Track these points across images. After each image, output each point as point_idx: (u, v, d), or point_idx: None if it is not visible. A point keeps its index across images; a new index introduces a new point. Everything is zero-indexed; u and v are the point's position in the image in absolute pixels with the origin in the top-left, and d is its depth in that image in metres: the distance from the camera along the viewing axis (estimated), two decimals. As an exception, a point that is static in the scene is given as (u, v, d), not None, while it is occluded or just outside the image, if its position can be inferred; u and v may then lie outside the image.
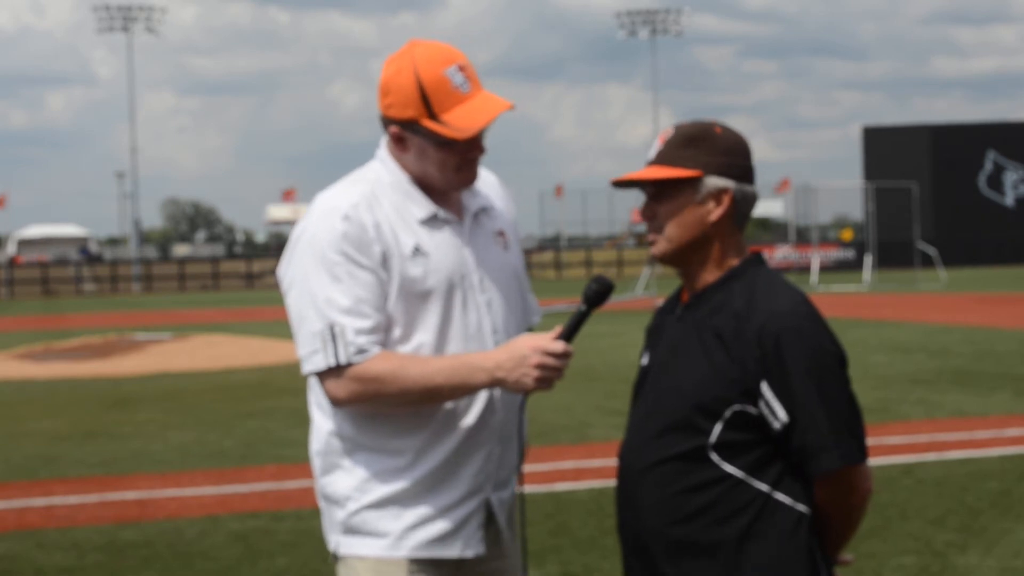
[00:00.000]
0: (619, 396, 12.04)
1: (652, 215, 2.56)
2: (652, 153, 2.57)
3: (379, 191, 2.77)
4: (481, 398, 2.76)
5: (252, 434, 10.54)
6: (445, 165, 2.76)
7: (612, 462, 9.00)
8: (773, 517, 2.42)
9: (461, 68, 2.74)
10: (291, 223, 71.76)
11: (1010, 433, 9.73)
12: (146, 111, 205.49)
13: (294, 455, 9.37)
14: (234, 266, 59.15)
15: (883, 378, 13.29)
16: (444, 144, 2.73)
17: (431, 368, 2.66)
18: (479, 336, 2.78)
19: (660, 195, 2.54)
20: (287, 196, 66.20)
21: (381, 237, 2.71)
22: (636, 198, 67.33)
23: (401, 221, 2.75)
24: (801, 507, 2.45)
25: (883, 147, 59.53)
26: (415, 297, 2.72)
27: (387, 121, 2.78)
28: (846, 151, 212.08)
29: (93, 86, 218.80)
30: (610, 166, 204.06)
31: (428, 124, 2.71)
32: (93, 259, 64.72)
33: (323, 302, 2.67)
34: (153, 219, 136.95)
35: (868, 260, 40.17)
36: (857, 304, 28.09)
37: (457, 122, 2.70)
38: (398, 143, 2.79)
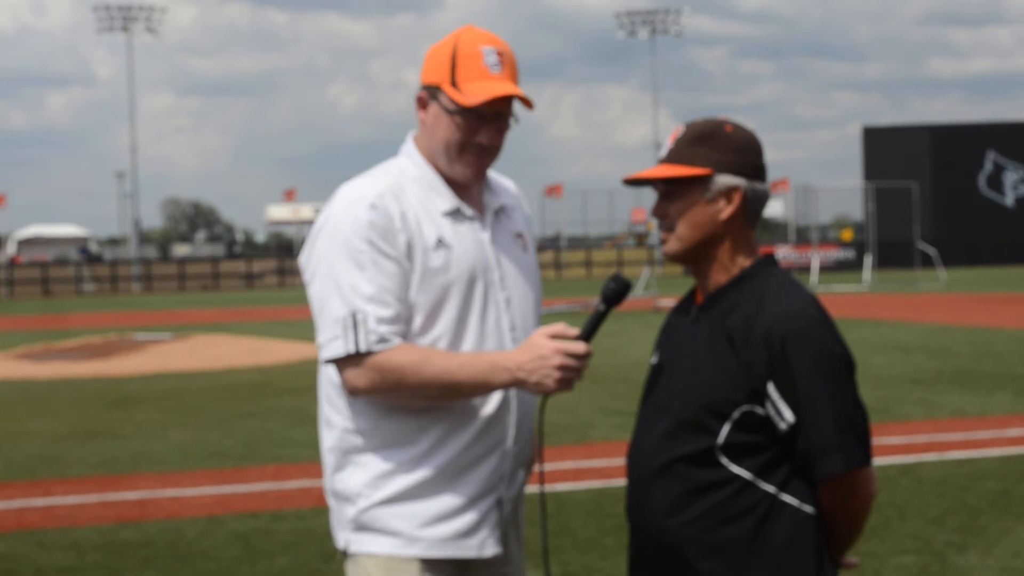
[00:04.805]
0: (622, 396, 12.04)
1: (664, 214, 2.55)
2: (663, 151, 2.57)
3: (404, 183, 2.79)
4: (497, 395, 2.76)
5: (252, 434, 10.54)
6: (451, 141, 2.77)
7: (613, 462, 8.90)
8: (780, 518, 2.42)
9: (499, 53, 2.78)
10: (291, 223, 71.81)
11: (1010, 433, 9.73)
12: (146, 111, 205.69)
13: (294, 455, 9.37)
14: (234, 266, 59.10)
15: (883, 378, 13.29)
16: (454, 113, 2.75)
17: (453, 364, 2.65)
18: (497, 332, 2.78)
19: (671, 194, 2.54)
20: (289, 196, 66.16)
21: (406, 227, 2.72)
22: (636, 198, 67.31)
23: (425, 212, 2.76)
24: (808, 508, 2.45)
25: (883, 147, 59.53)
26: (436, 288, 2.72)
27: (420, 88, 2.83)
28: (843, 152, 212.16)
29: (93, 86, 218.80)
30: (609, 166, 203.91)
31: (447, 89, 2.76)
32: (93, 259, 64.69)
33: (347, 289, 2.67)
34: (153, 219, 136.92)
35: (868, 260, 40.16)
36: (857, 304, 28.09)
37: (469, 91, 2.73)
38: (421, 108, 2.84)
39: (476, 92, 2.72)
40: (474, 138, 2.77)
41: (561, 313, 24.23)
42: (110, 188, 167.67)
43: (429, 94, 2.80)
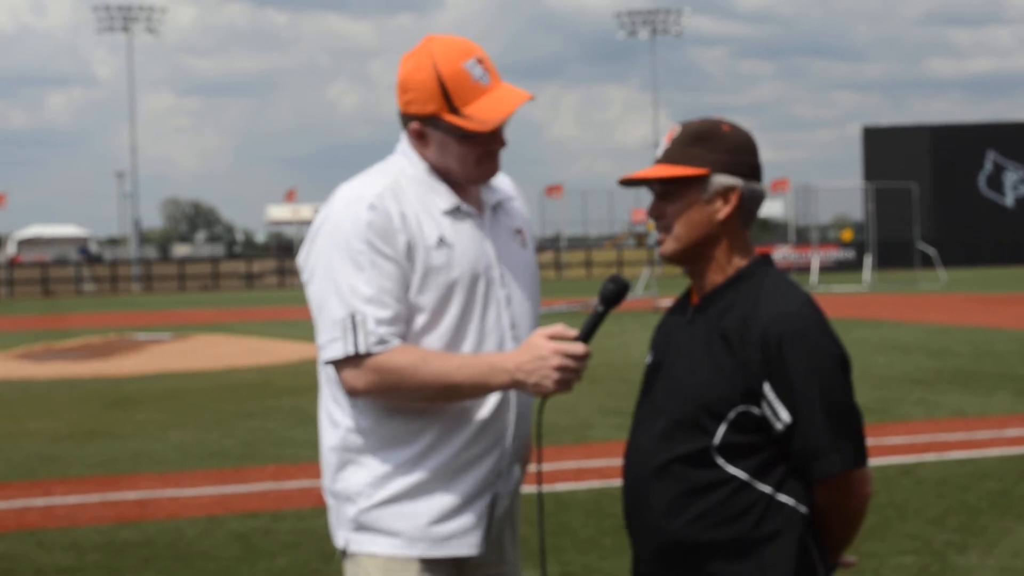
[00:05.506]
0: (620, 396, 12.04)
1: (660, 214, 2.55)
2: (660, 151, 2.57)
3: (403, 182, 2.77)
4: (496, 393, 2.75)
5: (252, 434, 10.54)
6: (466, 159, 2.76)
7: (613, 462, 8.88)
8: (776, 518, 2.43)
9: (479, 61, 2.75)
10: (291, 223, 71.79)
11: (1010, 433, 9.73)
12: (146, 111, 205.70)
13: (294, 455, 9.38)
14: (234, 266, 59.05)
15: (883, 378, 13.29)
16: (466, 137, 2.73)
17: (452, 365, 2.65)
18: (498, 330, 2.78)
19: (668, 194, 2.54)
20: (289, 196, 66.17)
21: (406, 227, 2.71)
22: (636, 198, 67.27)
23: (425, 212, 2.75)
24: (804, 508, 2.45)
25: (883, 147, 59.52)
26: (438, 288, 2.72)
27: (407, 118, 2.79)
28: (843, 152, 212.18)
29: (93, 86, 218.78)
30: (609, 166, 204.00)
31: (449, 118, 2.72)
32: (93, 259, 64.66)
33: (346, 290, 2.66)
34: (153, 219, 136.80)
35: (868, 260, 40.14)
36: (857, 304, 28.09)
37: (479, 114, 2.71)
38: (419, 139, 2.79)
39: (485, 113, 2.70)
40: (489, 148, 2.78)
41: (561, 313, 24.23)
42: (110, 188, 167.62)
43: (426, 125, 2.76)
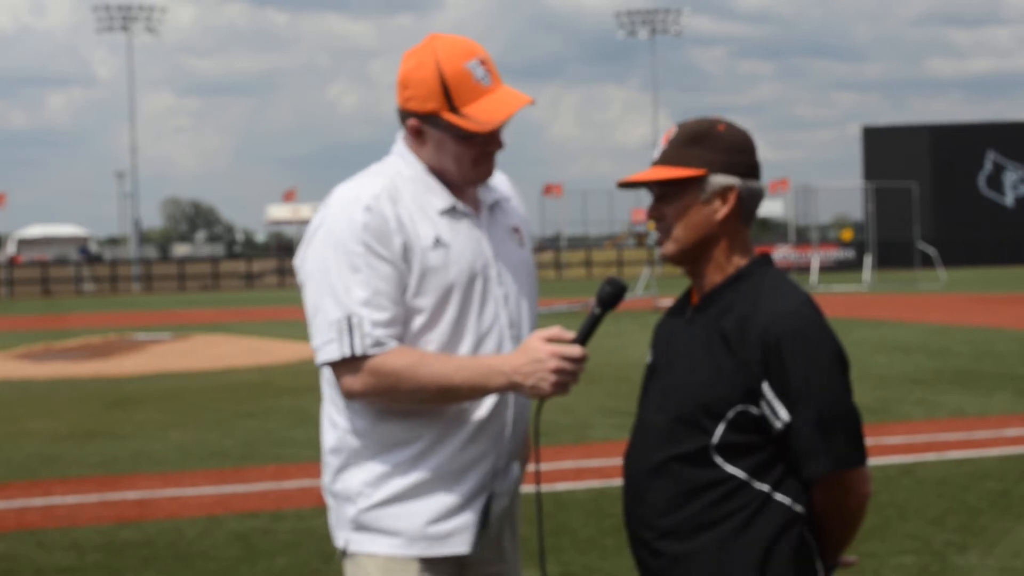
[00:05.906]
0: (620, 396, 12.04)
1: (659, 216, 2.55)
2: (657, 153, 2.56)
3: (399, 183, 2.77)
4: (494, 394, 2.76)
5: (252, 434, 10.54)
6: (463, 159, 2.76)
7: (612, 462, 8.90)
8: (773, 517, 2.43)
9: (482, 62, 2.75)
10: (291, 223, 71.77)
11: (1010, 433, 9.73)
12: (146, 111, 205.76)
13: (294, 455, 9.38)
14: (234, 266, 59.02)
15: (883, 378, 13.29)
16: (464, 137, 2.73)
17: (449, 367, 2.65)
18: (495, 329, 2.78)
19: (666, 196, 2.53)
20: (289, 196, 66.10)
21: (402, 229, 2.70)
22: (636, 198, 67.23)
23: (421, 213, 2.75)
24: (802, 508, 2.45)
25: (883, 147, 59.52)
26: (436, 289, 2.71)
27: (405, 114, 2.78)
28: (843, 152, 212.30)
29: (93, 86, 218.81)
30: (609, 166, 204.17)
31: (449, 117, 2.72)
32: (93, 259, 64.62)
33: (341, 292, 2.66)
34: (153, 219, 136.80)
35: (868, 260, 40.14)
36: (857, 304, 28.09)
37: (478, 115, 2.71)
38: (416, 136, 2.79)
39: (485, 115, 2.70)
40: (486, 150, 2.78)
41: (560, 313, 24.24)
42: (110, 188, 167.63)
43: (425, 123, 2.76)
